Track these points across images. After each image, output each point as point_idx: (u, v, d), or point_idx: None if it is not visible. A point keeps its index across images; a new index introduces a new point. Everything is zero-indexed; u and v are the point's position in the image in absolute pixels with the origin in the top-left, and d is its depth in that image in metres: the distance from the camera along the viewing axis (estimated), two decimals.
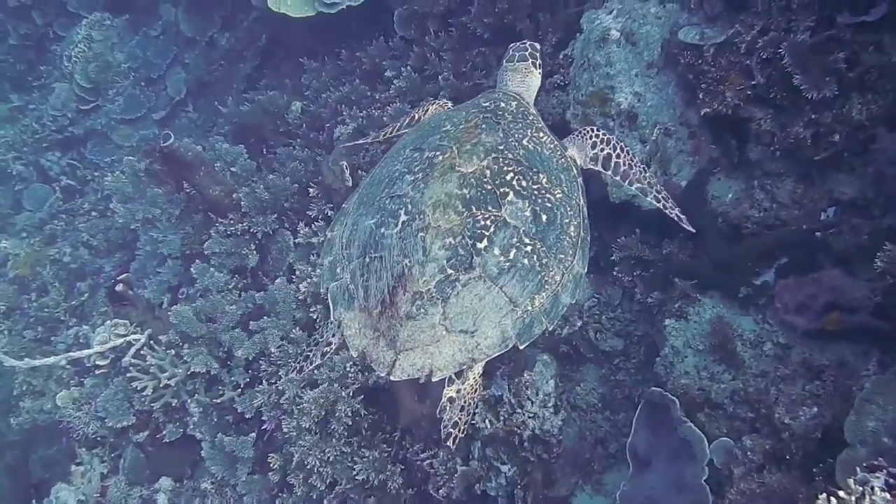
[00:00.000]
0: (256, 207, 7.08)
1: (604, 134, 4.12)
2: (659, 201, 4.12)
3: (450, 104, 4.47)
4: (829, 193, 5.07)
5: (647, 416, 5.18)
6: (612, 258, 5.81)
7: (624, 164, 4.11)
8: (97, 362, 6.76)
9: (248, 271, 7.08)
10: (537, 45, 4.47)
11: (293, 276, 6.70)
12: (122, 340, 6.71)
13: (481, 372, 3.58)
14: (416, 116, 4.49)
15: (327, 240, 3.83)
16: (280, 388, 6.06)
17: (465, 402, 3.52)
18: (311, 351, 3.76)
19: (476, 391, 3.57)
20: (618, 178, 4.11)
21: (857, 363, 4.61)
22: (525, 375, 5.45)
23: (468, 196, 3.41)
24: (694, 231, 3.91)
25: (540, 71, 4.38)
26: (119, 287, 6.90)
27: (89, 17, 11.20)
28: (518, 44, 4.48)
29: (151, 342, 6.65)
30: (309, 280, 6.35)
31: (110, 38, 11.06)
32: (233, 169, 7.51)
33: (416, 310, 3.29)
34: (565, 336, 5.88)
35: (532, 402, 5.38)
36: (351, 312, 3.50)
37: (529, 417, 5.34)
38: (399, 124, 4.60)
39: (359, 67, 7.95)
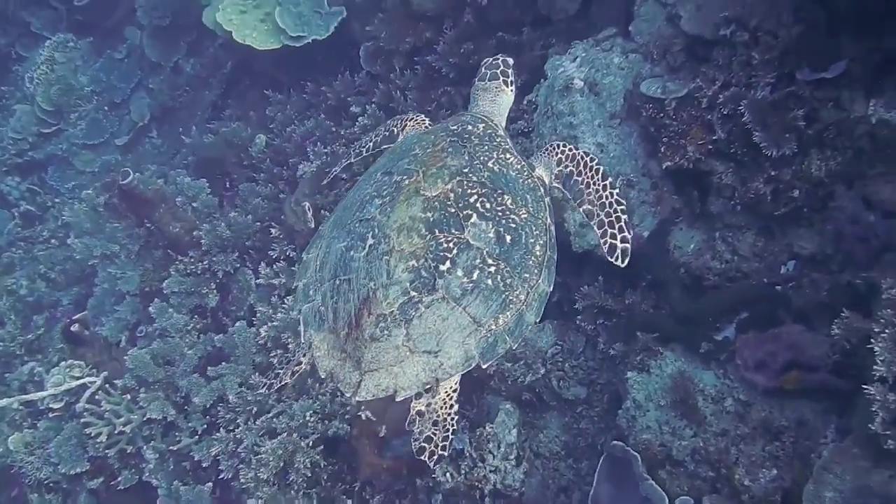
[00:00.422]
0: (217, 245, 6.99)
1: (570, 150, 4.00)
2: (601, 227, 3.84)
3: (427, 120, 4.46)
4: (789, 247, 5.08)
5: (608, 470, 5.15)
6: (576, 306, 5.77)
7: (581, 184, 3.92)
8: (51, 405, 6.62)
9: (207, 311, 6.97)
10: (510, 61, 4.40)
11: (254, 319, 6.60)
12: (77, 383, 6.58)
13: (456, 388, 3.57)
14: (394, 131, 4.50)
15: (303, 263, 3.87)
16: (238, 436, 5.96)
17: (438, 417, 3.48)
18: (282, 369, 3.78)
19: (451, 406, 3.54)
20: (571, 195, 3.96)
21: (817, 422, 4.61)
22: (487, 428, 5.40)
23: (431, 219, 3.44)
24: (622, 266, 3.75)
25: (512, 88, 4.35)
26: (75, 327, 6.76)
27: (53, 38, 11.03)
28: (490, 60, 4.41)
29: (107, 385, 6.52)
30: (269, 324, 6.25)
31: (73, 61, 10.91)
32: (194, 204, 7.41)
33: (380, 332, 3.33)
34: (528, 383, 5.83)
35: (493, 456, 5.34)
36: (321, 334, 3.55)
37: (491, 471, 5.30)
38: (376, 138, 4.60)
39: (324, 102, 7.88)
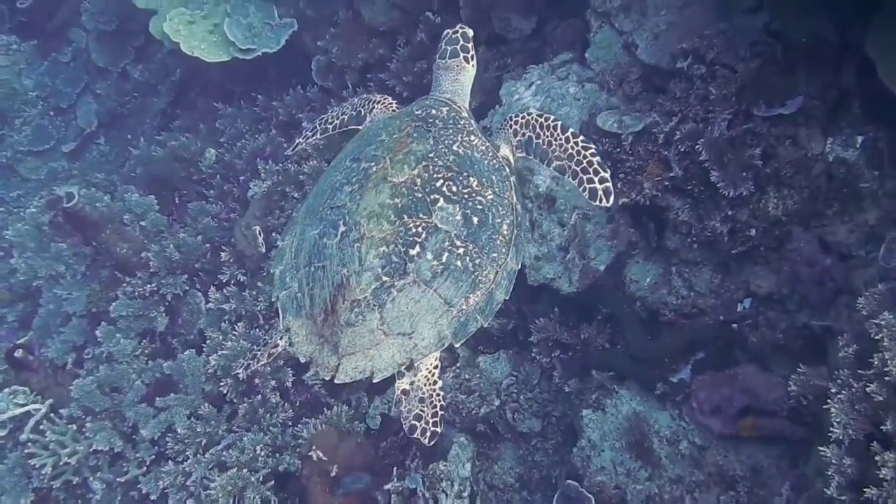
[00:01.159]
0: (166, 267, 6.80)
1: (522, 118, 4.04)
2: (575, 178, 3.84)
3: (394, 103, 4.51)
4: (746, 285, 5.05)
5: None
6: (531, 339, 5.69)
7: (543, 144, 3.96)
8: None
9: (157, 335, 6.78)
10: (469, 33, 4.32)
11: (203, 345, 6.43)
12: (20, 410, 6.36)
13: (437, 364, 3.72)
14: (361, 111, 4.52)
15: (278, 250, 3.99)
16: (187, 468, 5.81)
17: (423, 394, 3.64)
18: (259, 350, 3.93)
19: (434, 383, 3.68)
20: (537, 158, 3.99)
21: (772, 469, 4.59)
22: (440, 465, 5.31)
23: (400, 205, 3.56)
24: (609, 205, 3.81)
25: (473, 63, 4.32)
26: (18, 353, 6.55)
27: None
28: (450, 34, 4.32)
29: (52, 414, 6.32)
30: (219, 352, 6.09)
31: (17, 64, 10.54)
32: (142, 223, 7.20)
33: (355, 317, 3.48)
34: (483, 415, 5.76)
35: (447, 495, 5.25)
36: (298, 320, 3.70)
37: None
38: (343, 117, 4.62)
39: (275, 116, 7.69)
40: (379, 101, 4.51)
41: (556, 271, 5.41)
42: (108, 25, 9.70)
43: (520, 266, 3.81)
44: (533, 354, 5.73)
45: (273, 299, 3.91)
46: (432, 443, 3.63)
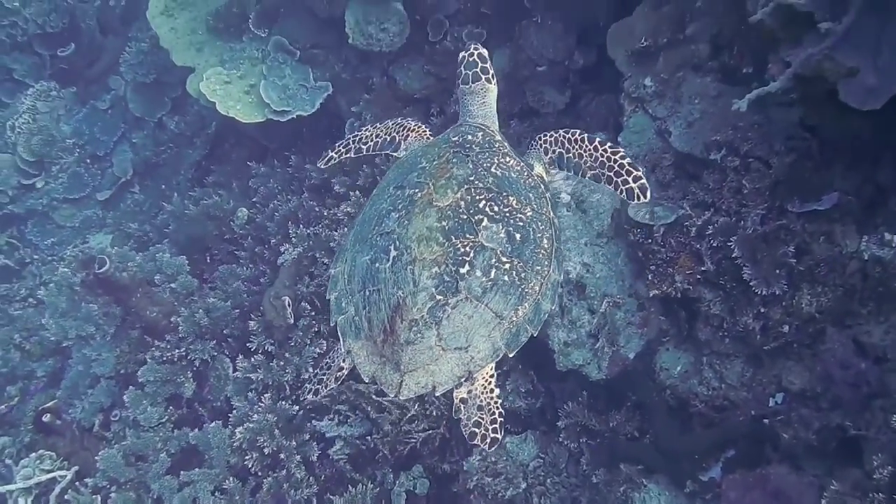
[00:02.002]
0: (195, 332, 6.82)
1: (551, 135, 4.30)
2: (611, 183, 4.08)
3: (427, 131, 4.73)
4: (778, 379, 4.97)
5: None
6: (559, 423, 5.64)
7: (575, 157, 4.21)
8: (19, 499, 6.43)
9: (183, 402, 6.80)
10: (485, 53, 4.53)
11: (230, 414, 6.44)
12: (46, 477, 6.40)
13: (493, 374, 3.91)
14: (395, 138, 4.70)
15: (331, 276, 4.18)
16: None
17: (481, 402, 3.84)
18: (324, 375, 4.13)
19: (491, 391, 3.89)
20: (572, 171, 4.24)
21: None
22: None
23: (447, 227, 3.77)
24: (647, 200, 4.08)
25: (495, 82, 4.52)
26: (46, 417, 6.60)
27: (35, 86, 10.80)
28: (466, 57, 4.50)
29: (77, 483, 6.35)
30: (246, 424, 6.09)
31: (56, 110, 10.69)
32: (172, 285, 7.24)
33: (414, 335, 3.66)
34: (509, 498, 5.70)
35: None
36: (358, 342, 3.89)
37: None
38: (377, 140, 4.77)
39: (308, 179, 7.71)
40: (413, 129, 4.69)
41: (586, 358, 5.36)
42: (147, 77, 9.84)
43: (562, 277, 4.04)
44: (560, 438, 5.66)
45: (332, 324, 4.06)
46: (493, 448, 3.81)
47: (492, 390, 3.90)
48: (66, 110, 10.72)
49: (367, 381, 3.86)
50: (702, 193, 5.10)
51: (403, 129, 4.72)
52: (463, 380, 3.76)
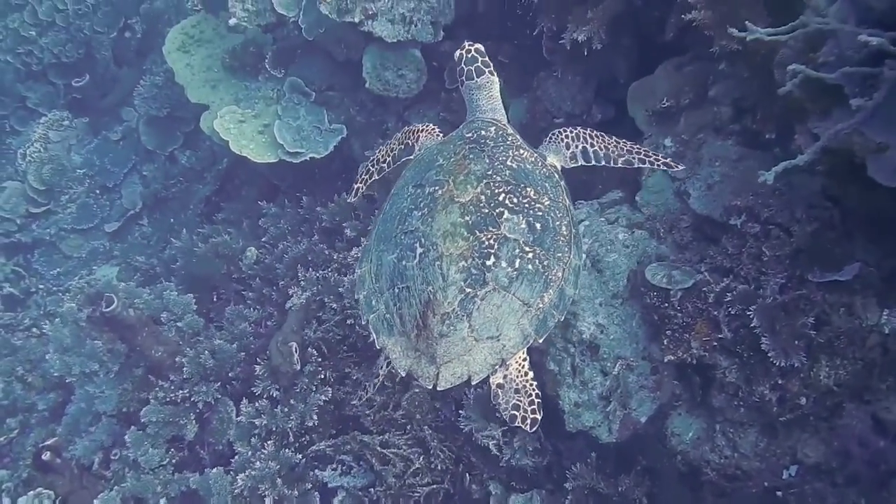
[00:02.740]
0: (199, 373, 6.75)
1: (571, 130, 4.51)
2: (644, 163, 4.49)
3: (436, 129, 4.83)
4: (793, 451, 4.86)
5: None
6: (566, 485, 5.54)
7: (601, 150, 4.48)
8: None
9: (185, 443, 6.70)
10: (481, 48, 4.67)
11: (232, 460, 6.34)
12: None
13: (525, 357, 4.04)
14: (409, 143, 4.81)
15: (358, 276, 4.27)
16: None
17: (517, 385, 3.99)
18: (376, 378, 4.36)
19: (526, 374, 4.03)
20: (601, 162, 4.48)
21: None
22: None
23: (470, 222, 3.89)
24: (683, 168, 4.67)
25: (495, 75, 4.67)
26: (45, 455, 6.50)
27: (48, 115, 10.81)
28: (464, 55, 4.64)
29: None
30: (247, 471, 6.00)
31: (68, 140, 10.71)
32: (179, 324, 7.19)
33: (447, 328, 3.78)
34: None
35: None
36: (392, 339, 3.99)
37: None
38: (394, 153, 4.91)
39: (318, 221, 7.66)
40: (422, 130, 4.80)
41: (596, 419, 5.27)
42: (160, 111, 9.85)
43: (582, 262, 4.17)
44: (568, 500, 5.56)
45: (364, 322, 4.20)
46: (534, 429, 3.98)
47: (526, 373, 4.04)
48: (78, 140, 10.75)
49: (403, 375, 3.97)
50: (720, 258, 5.03)
51: (414, 133, 4.83)
52: (495, 368, 3.88)
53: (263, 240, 8.01)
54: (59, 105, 11.12)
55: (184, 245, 8.42)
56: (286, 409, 6.37)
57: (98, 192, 10.44)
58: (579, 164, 4.47)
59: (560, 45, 6.04)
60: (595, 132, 4.51)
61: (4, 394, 8.31)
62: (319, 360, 6.51)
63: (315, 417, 6.20)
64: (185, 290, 7.91)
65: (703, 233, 5.35)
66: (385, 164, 4.97)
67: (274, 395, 6.51)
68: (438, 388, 3.83)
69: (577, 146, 4.49)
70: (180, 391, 6.74)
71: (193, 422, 6.74)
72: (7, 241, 10.31)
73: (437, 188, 4.05)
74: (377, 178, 5.02)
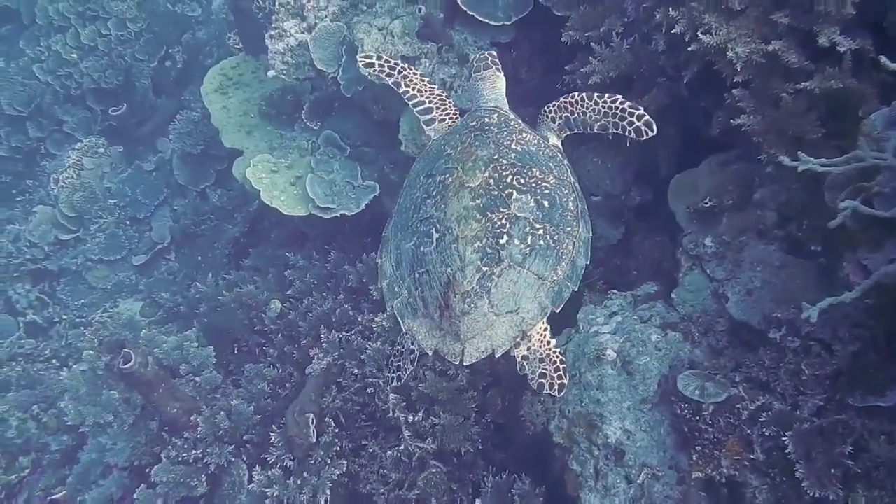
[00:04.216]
0: (214, 434, 6.61)
1: (554, 104, 4.87)
2: (618, 128, 4.78)
3: (456, 122, 5.21)
4: None
5: None
6: None
7: (580, 116, 4.82)
8: None
9: None
10: (494, 53, 5.24)
11: None
12: None
13: (546, 327, 4.34)
14: (433, 110, 5.25)
15: (379, 266, 4.60)
16: None
17: (541, 355, 4.29)
18: (401, 361, 4.53)
19: (548, 343, 4.34)
20: (581, 129, 4.83)
21: None
22: None
23: (481, 205, 4.16)
24: (654, 133, 4.77)
25: (502, 73, 5.14)
26: None
27: (84, 140, 10.81)
28: (478, 57, 5.20)
29: None
30: None
31: (101, 167, 10.71)
32: (196, 379, 7.06)
33: (468, 306, 4.04)
34: None
35: None
36: (417, 321, 4.29)
37: None
38: (420, 96, 5.37)
39: (345, 280, 7.52)
40: (448, 119, 5.25)
41: None
42: (194, 148, 9.79)
43: (591, 234, 4.49)
44: None
45: (389, 309, 4.51)
46: (562, 393, 4.32)
47: (549, 342, 4.32)
48: (111, 168, 10.74)
49: (430, 354, 4.23)
50: (756, 369, 4.84)
51: (442, 111, 5.19)
52: (518, 339, 4.14)
53: (289, 293, 7.86)
54: (95, 131, 11.15)
55: (208, 290, 8.31)
56: (299, 482, 6.21)
57: (128, 222, 10.42)
58: (568, 132, 4.85)
59: None
60: (576, 97, 4.81)
61: (18, 432, 8.24)
62: (336, 430, 6.35)
63: (328, 492, 6.04)
64: (205, 337, 7.79)
65: (739, 338, 5.16)
66: (404, 88, 5.40)
67: (288, 465, 6.35)
68: (465, 364, 4.11)
69: (560, 117, 4.84)
70: (193, 451, 6.61)
71: (205, 483, 6.60)
72: (34, 266, 10.25)
73: (447, 176, 4.33)
74: (389, 81, 5.49)
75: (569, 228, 4.29)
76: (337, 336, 6.96)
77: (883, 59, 3.57)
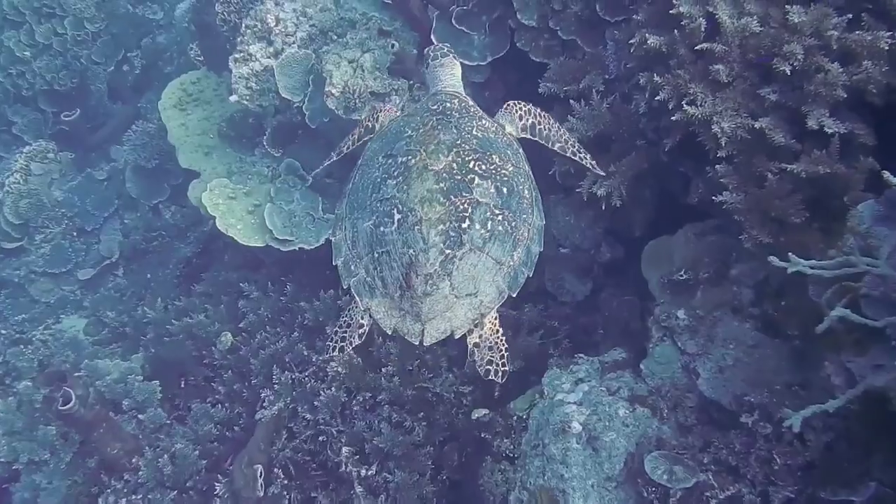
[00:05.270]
0: (156, 479, 6.30)
1: (525, 105, 4.95)
2: (575, 155, 5.01)
3: (394, 108, 5.26)
4: None
5: None
6: None
7: (546, 129, 4.94)
8: None
9: None
10: (447, 47, 5.27)
11: None
12: None
13: (496, 317, 4.39)
14: (370, 125, 5.12)
15: (334, 244, 4.57)
16: None
17: (491, 344, 4.33)
18: (346, 333, 4.52)
19: (497, 332, 4.37)
20: (542, 140, 4.94)
21: None
22: None
23: (445, 188, 4.19)
24: (604, 174, 5.13)
25: (458, 61, 5.22)
26: None
27: (33, 144, 10.33)
28: (434, 48, 5.25)
29: None
30: None
31: (50, 174, 10.23)
32: (140, 416, 6.74)
33: (430, 288, 4.08)
34: None
35: None
36: (375, 300, 4.29)
37: None
38: (356, 136, 5.26)
39: (301, 316, 7.23)
40: (382, 110, 5.11)
41: None
42: (148, 162, 9.40)
43: (544, 222, 4.55)
44: None
45: (345, 286, 4.47)
46: (503, 380, 4.35)
47: (498, 331, 4.36)
48: (61, 175, 10.31)
49: (389, 334, 4.29)
50: (726, 453, 4.68)
51: (374, 113, 5.11)
52: (475, 323, 4.20)
53: (241, 325, 7.54)
54: (45, 135, 10.67)
55: (157, 316, 7.98)
56: None
57: (75, 234, 9.94)
58: (527, 136, 4.91)
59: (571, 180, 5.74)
60: (543, 113, 4.97)
61: None
62: (285, 482, 6.08)
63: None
64: (151, 368, 7.46)
65: (709, 416, 5.02)
66: (351, 145, 5.30)
67: None
68: (425, 344, 4.14)
69: (527, 121, 4.90)
70: (133, 496, 6.30)
71: None
72: None
73: (409, 157, 4.32)
74: (344, 154, 5.37)
75: (525, 216, 4.36)
76: (290, 377, 6.68)
77: (886, 174, 3.40)
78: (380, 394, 6.22)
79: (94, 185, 10.20)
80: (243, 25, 7.14)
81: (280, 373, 6.72)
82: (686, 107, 4.61)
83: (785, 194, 4.46)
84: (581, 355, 5.60)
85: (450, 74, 5.08)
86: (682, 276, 5.07)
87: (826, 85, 4.32)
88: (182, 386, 7.44)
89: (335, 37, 6.96)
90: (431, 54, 5.13)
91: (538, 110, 4.95)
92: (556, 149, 4.93)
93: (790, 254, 3.70)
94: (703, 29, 4.67)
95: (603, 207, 5.13)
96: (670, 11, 4.76)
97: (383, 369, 6.32)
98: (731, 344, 4.96)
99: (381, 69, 6.54)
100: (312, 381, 6.59)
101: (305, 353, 6.92)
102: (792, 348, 4.78)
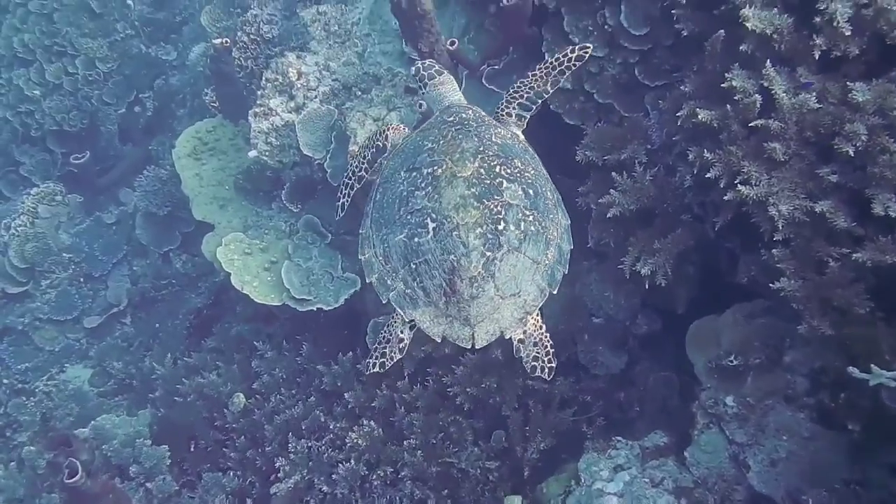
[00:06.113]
0: None
1: (502, 102, 5.02)
2: (564, 74, 4.99)
3: (403, 126, 5.27)
4: None
5: None
6: None
7: (527, 93, 4.97)
8: None
9: None
10: (434, 62, 5.31)
11: None
12: None
13: (538, 314, 4.44)
14: (380, 145, 5.15)
15: (364, 262, 4.66)
16: None
17: (536, 339, 4.41)
18: (386, 348, 4.58)
19: (541, 327, 4.44)
20: (538, 104, 4.99)
21: None
22: None
23: (477, 193, 4.24)
24: (591, 47, 4.99)
25: (447, 72, 5.27)
26: None
27: (41, 186, 10.08)
28: (424, 65, 5.23)
29: None
30: None
31: (58, 217, 9.97)
32: (148, 485, 6.43)
33: (476, 290, 4.15)
34: None
35: None
36: (419, 310, 4.34)
37: None
38: (368, 158, 5.32)
39: (318, 380, 6.94)
40: (390, 128, 5.16)
41: None
42: (160, 209, 9.13)
43: (569, 221, 4.62)
44: None
45: (384, 301, 4.51)
46: (551, 376, 4.46)
47: (541, 327, 4.44)
48: (69, 218, 10.04)
49: (438, 341, 4.31)
50: None
51: (381, 135, 5.15)
52: (521, 321, 4.26)
53: (255, 385, 7.25)
54: (53, 176, 10.44)
55: (166, 373, 7.69)
56: None
57: (82, 279, 9.66)
58: (526, 115, 4.97)
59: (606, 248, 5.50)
60: (517, 85, 4.98)
61: None
62: None
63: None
64: (160, 429, 7.16)
65: None
66: (363, 172, 5.34)
67: None
68: (477, 347, 4.20)
69: (514, 108, 4.95)
70: None
71: None
72: None
73: (435, 168, 4.36)
74: (359, 186, 5.43)
75: (551, 216, 4.44)
76: (306, 445, 6.38)
77: None
78: (402, 468, 5.93)
79: (103, 229, 9.94)
80: (263, 79, 6.91)
81: (296, 441, 6.42)
82: (740, 187, 4.34)
83: (847, 283, 4.18)
84: (619, 438, 5.30)
85: (452, 90, 5.12)
86: (732, 361, 4.77)
87: (891, 167, 4.05)
88: (192, 449, 7.13)
89: (359, 92, 6.72)
90: (426, 74, 5.12)
91: (513, 91, 5.00)
92: (551, 90, 4.99)
93: (872, 366, 3.41)
94: (758, 105, 4.41)
95: (647, 286, 4.84)
96: (721, 85, 4.51)
97: (405, 441, 6.04)
98: (784, 435, 4.66)
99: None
100: (330, 450, 6.33)
101: (323, 419, 6.65)
102: (850, 441, 4.48)
